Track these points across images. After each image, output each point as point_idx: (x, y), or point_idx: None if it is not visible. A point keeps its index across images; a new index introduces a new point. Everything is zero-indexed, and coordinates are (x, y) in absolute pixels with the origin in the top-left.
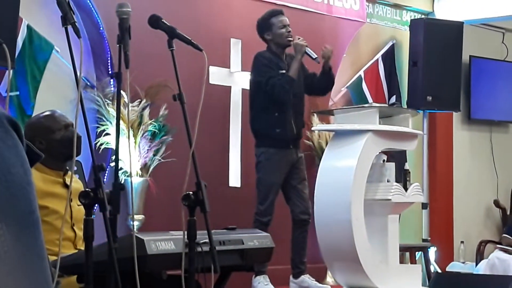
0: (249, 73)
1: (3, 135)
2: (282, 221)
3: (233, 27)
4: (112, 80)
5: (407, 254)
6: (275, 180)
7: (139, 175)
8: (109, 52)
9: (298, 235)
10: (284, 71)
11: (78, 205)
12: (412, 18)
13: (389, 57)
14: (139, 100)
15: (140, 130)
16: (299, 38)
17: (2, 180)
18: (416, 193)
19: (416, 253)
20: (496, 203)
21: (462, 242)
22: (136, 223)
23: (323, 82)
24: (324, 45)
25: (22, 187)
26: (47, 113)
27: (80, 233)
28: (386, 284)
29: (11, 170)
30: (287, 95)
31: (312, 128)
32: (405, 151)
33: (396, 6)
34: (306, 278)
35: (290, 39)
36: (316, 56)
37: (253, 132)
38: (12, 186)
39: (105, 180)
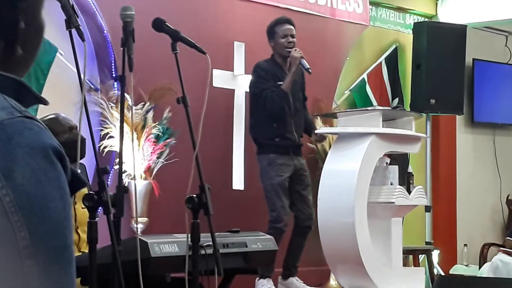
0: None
1: (47, 167)
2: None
3: (236, 30)
4: (116, 83)
5: (411, 257)
6: (280, 184)
7: (143, 178)
8: (113, 55)
9: (298, 240)
10: (281, 82)
11: (82, 208)
12: (416, 21)
13: (393, 60)
14: (143, 103)
15: (144, 133)
16: (295, 50)
17: (39, 216)
18: (419, 196)
19: (420, 256)
20: (510, 202)
21: (465, 245)
22: (139, 226)
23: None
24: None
25: (58, 222)
26: (51, 115)
27: (83, 236)
28: (389, 286)
29: (50, 205)
30: (279, 108)
31: (316, 131)
32: (408, 154)
33: (399, 9)
34: (294, 280)
35: (290, 49)
36: (309, 67)
37: (254, 140)
38: (48, 222)
39: (109, 182)
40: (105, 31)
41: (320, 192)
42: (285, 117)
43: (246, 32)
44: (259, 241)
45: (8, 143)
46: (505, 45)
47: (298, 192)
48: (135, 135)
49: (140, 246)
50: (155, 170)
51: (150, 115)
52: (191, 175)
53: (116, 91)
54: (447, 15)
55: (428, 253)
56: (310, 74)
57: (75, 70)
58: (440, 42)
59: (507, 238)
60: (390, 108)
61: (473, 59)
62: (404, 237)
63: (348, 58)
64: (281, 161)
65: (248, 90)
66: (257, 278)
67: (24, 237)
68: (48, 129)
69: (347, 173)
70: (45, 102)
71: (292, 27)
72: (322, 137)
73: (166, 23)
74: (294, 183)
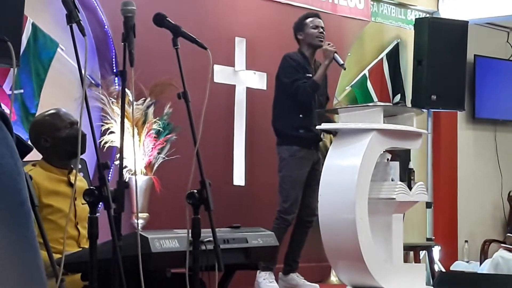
0: (253, 72)
1: None
2: None
3: (237, 25)
4: (116, 78)
5: (411, 253)
6: (298, 177)
7: (144, 173)
8: (113, 51)
9: (299, 234)
10: (310, 75)
11: (83, 204)
12: (417, 17)
13: (394, 56)
14: (143, 98)
15: (144, 129)
16: (329, 44)
17: None
18: (421, 192)
19: (420, 252)
20: (511, 199)
21: (466, 241)
22: (140, 221)
23: None
24: None
25: (12, 178)
26: (52, 111)
27: (83, 232)
28: (390, 283)
29: (1, 161)
30: (310, 99)
31: (317, 127)
32: (409, 150)
33: (401, 5)
34: (295, 276)
35: (321, 39)
36: (343, 62)
37: (275, 131)
38: (2, 177)
39: (109, 178)
40: (106, 26)
41: (321, 188)
42: (311, 109)
43: (247, 28)
44: (260, 237)
45: None
46: (507, 41)
47: (309, 186)
48: (135, 130)
49: (141, 242)
50: (156, 165)
51: (151, 110)
52: (192, 170)
53: (116, 87)
54: (448, 11)
55: (429, 249)
56: (344, 70)
57: (76, 65)
58: (441, 38)
59: (508, 234)
60: (391, 104)
61: (475, 55)
62: (405, 233)
63: (349, 54)
64: (302, 154)
65: (248, 85)
66: (259, 270)
67: None
68: None
69: (348, 169)
70: None
71: (321, 21)
72: None
73: (167, 18)
74: (308, 177)
